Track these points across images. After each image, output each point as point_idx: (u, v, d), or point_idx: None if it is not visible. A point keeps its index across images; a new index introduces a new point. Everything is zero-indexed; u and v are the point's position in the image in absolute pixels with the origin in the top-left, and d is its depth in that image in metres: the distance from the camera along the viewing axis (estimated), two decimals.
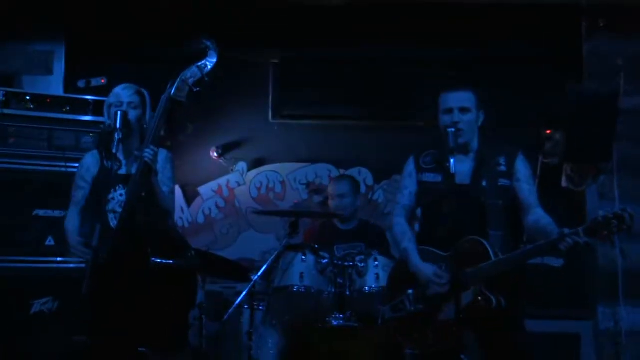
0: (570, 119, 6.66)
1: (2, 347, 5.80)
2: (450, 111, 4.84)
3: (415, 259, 4.83)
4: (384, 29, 7.23)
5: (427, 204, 5.01)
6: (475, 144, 4.94)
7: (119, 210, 4.92)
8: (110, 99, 5.12)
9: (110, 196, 5.00)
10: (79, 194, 5.19)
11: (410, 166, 5.08)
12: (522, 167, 4.88)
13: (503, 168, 4.85)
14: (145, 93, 5.16)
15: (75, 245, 5.04)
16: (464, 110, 4.83)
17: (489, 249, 4.59)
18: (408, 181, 5.07)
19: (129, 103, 5.03)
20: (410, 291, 4.83)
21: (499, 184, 4.82)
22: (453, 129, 4.74)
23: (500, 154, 4.89)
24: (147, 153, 4.80)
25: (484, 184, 4.81)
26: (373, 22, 7.16)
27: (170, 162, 5.23)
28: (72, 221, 5.15)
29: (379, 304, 5.39)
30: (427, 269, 4.76)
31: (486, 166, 4.85)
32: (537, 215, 4.74)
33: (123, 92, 5.09)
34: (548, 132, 6.89)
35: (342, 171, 7.74)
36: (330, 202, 6.74)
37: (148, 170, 4.83)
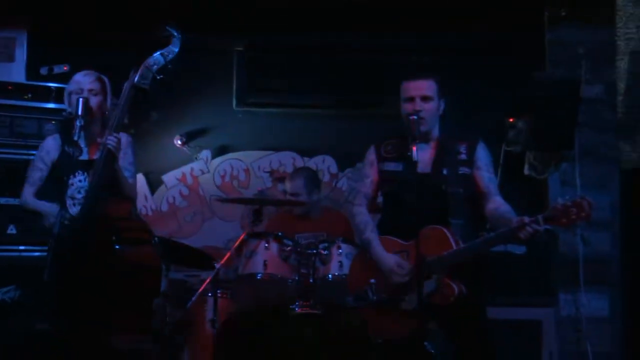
0: (533, 107, 6.69)
1: None
2: (411, 99, 4.85)
3: (377, 248, 4.86)
4: (349, 16, 7.22)
5: (388, 193, 5.04)
6: (436, 132, 4.97)
7: (78, 196, 4.92)
8: (71, 86, 5.09)
9: (70, 182, 4.97)
10: (36, 175, 5.16)
11: (371, 155, 5.09)
12: (482, 155, 4.91)
13: (464, 156, 4.89)
14: (106, 79, 5.13)
15: (45, 210, 5.01)
16: (425, 98, 4.84)
17: (450, 238, 4.64)
18: (369, 170, 5.09)
19: (90, 90, 5.01)
20: (372, 281, 4.85)
21: (460, 172, 4.85)
22: (415, 117, 4.76)
23: (460, 142, 4.92)
24: (111, 140, 4.79)
25: (444, 172, 4.84)
26: (338, 9, 7.15)
27: (131, 146, 5.22)
28: (31, 199, 5.11)
29: (342, 292, 5.41)
30: (389, 259, 4.79)
31: (447, 154, 4.88)
32: (497, 203, 4.79)
33: (83, 79, 5.06)
34: (511, 120, 6.91)
35: (306, 159, 7.74)
36: (287, 197, 6.74)
37: (111, 158, 4.82)
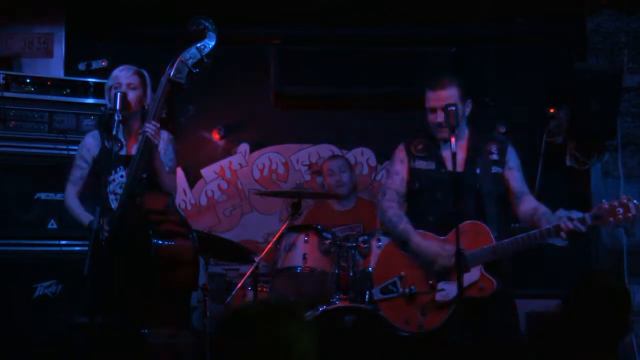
0: (574, 97, 6.62)
1: (5, 330, 5.80)
2: (433, 110, 4.89)
3: (417, 237, 4.85)
4: (386, 7, 7.18)
5: (418, 191, 5.02)
6: (464, 133, 4.98)
7: (120, 191, 4.92)
8: (109, 81, 5.10)
9: (111, 177, 4.99)
10: (77, 173, 5.18)
11: (401, 152, 5.11)
12: (513, 157, 5.00)
13: (495, 156, 4.98)
14: (145, 73, 5.13)
15: (80, 217, 5.04)
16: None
17: (490, 233, 4.64)
18: (399, 167, 5.09)
19: (128, 84, 5.01)
20: (402, 273, 4.85)
21: (492, 171, 4.89)
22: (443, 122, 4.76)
23: (491, 143, 4.98)
24: (149, 128, 4.78)
25: (478, 171, 4.85)
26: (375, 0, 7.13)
27: (172, 143, 5.22)
28: (72, 200, 5.14)
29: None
30: (432, 245, 4.79)
31: (479, 154, 4.92)
32: (534, 203, 4.88)
33: (121, 74, 5.07)
34: (551, 110, 6.86)
35: (344, 152, 7.71)
36: (329, 180, 6.72)
37: (150, 147, 4.81)
